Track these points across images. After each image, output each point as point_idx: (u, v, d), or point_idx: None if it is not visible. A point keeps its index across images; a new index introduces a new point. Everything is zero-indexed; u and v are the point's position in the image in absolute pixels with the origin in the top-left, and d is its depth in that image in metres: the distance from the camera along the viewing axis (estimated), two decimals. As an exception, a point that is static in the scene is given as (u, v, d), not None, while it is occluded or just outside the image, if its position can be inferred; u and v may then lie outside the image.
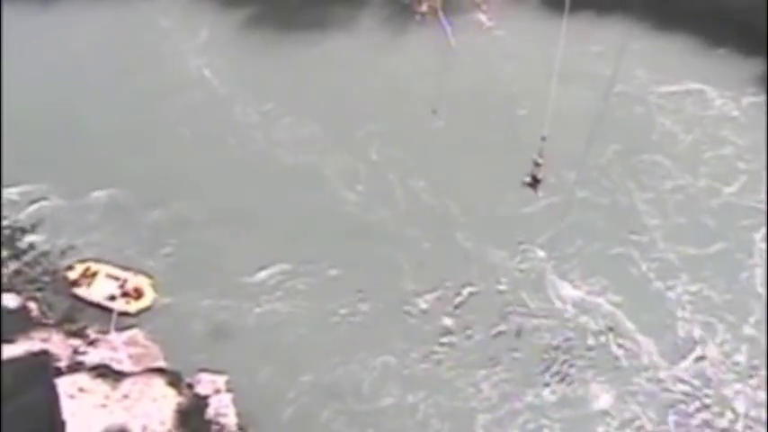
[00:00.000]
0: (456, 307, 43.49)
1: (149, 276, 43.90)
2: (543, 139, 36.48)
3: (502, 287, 44.30)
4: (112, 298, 42.82)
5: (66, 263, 44.13)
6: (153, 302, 43.10)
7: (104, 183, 47.48)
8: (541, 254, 45.44)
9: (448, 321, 42.96)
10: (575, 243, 45.89)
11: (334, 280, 44.37)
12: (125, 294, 42.97)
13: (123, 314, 42.50)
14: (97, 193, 47.19)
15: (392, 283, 44.17)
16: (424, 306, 43.41)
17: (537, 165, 37.49)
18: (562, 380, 41.20)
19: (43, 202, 46.84)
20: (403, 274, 44.58)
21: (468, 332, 42.64)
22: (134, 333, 42.00)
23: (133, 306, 42.81)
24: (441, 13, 56.70)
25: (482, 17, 58.57)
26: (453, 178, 48.64)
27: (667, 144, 51.17)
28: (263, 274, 44.31)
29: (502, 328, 42.73)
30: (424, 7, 57.79)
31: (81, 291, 43.14)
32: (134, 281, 43.49)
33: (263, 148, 50.39)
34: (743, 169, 49.76)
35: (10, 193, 46.90)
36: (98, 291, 43.15)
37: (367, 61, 55.42)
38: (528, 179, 37.97)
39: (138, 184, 47.45)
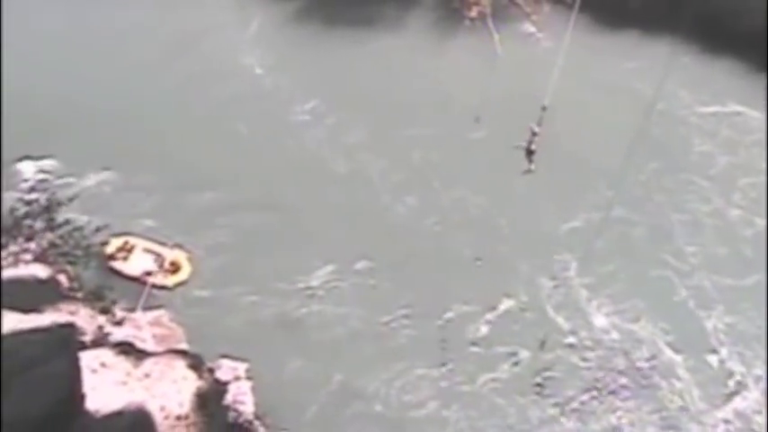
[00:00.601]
0: (498, 323, 42.98)
1: (186, 251, 43.94)
2: (544, 108, 35.79)
3: (544, 306, 43.82)
4: (149, 273, 42.85)
5: (102, 239, 44.17)
6: (189, 276, 43.14)
7: (146, 167, 47.21)
8: (582, 272, 44.87)
9: (488, 337, 42.39)
10: (613, 262, 45.50)
11: (379, 286, 43.96)
12: (162, 269, 43.04)
13: (160, 287, 42.56)
14: (140, 178, 46.93)
15: (435, 294, 43.67)
16: (465, 319, 42.87)
17: (534, 134, 36.64)
18: (600, 407, 40.64)
19: (87, 180, 46.79)
20: (446, 285, 44.10)
21: (511, 349, 42.15)
22: (160, 314, 41.93)
23: (170, 280, 42.87)
24: (490, 21, 56.47)
25: (531, 27, 58.30)
26: (494, 189, 48.25)
27: (704, 166, 50.98)
28: (308, 275, 43.96)
29: (546, 348, 42.03)
30: (473, 13, 57.47)
31: (117, 265, 43.25)
32: (171, 255, 43.52)
33: (307, 148, 50.13)
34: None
35: (57, 169, 46.92)
36: (135, 265, 43.29)
37: (413, 63, 55.21)
38: (524, 144, 37.13)
39: (181, 173, 47.25)
